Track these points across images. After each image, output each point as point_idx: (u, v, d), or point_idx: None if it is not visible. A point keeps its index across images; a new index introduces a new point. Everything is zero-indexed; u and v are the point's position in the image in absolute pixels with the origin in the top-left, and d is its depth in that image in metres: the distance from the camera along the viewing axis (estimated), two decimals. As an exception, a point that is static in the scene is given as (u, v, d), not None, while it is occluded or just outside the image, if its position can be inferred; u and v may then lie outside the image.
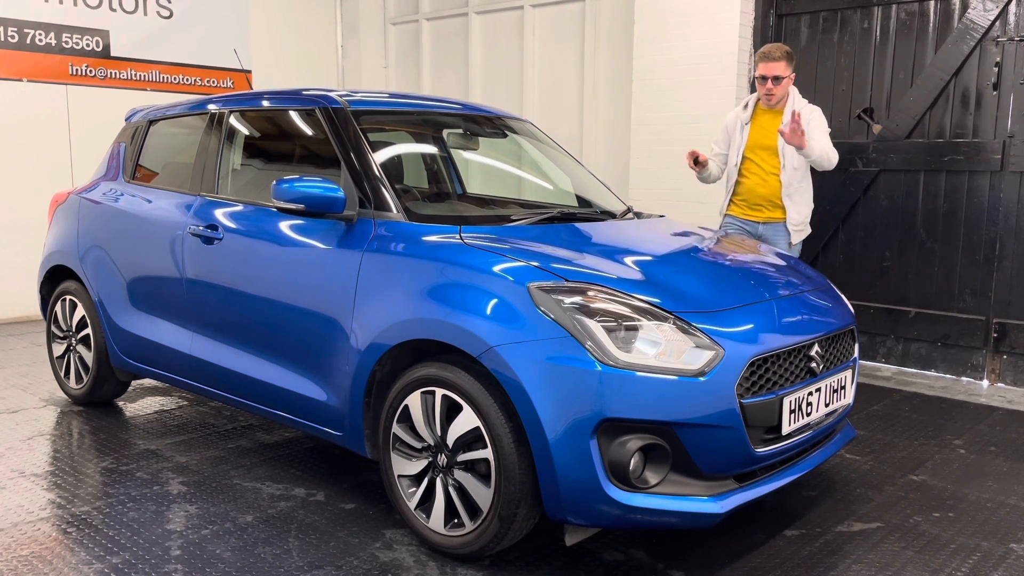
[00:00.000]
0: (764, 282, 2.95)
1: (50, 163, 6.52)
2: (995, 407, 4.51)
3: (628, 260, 2.83)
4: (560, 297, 2.44)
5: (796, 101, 4.36)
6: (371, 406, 2.90)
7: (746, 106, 4.49)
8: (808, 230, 4.46)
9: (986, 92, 4.86)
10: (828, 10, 5.39)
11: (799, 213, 4.36)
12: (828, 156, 4.24)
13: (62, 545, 2.79)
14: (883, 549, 2.82)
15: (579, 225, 3.32)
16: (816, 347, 2.77)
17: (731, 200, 4.53)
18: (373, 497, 3.18)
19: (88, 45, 6.64)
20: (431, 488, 2.70)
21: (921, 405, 4.53)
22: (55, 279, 4.43)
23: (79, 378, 4.29)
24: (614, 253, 2.92)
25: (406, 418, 2.73)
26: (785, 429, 2.59)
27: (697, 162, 4.40)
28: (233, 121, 3.69)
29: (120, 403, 4.41)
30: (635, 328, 2.41)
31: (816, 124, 4.28)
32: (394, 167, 3.53)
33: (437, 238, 2.83)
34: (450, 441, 2.61)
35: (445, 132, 4.13)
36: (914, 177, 5.16)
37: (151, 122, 4.18)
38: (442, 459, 2.66)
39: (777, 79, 4.25)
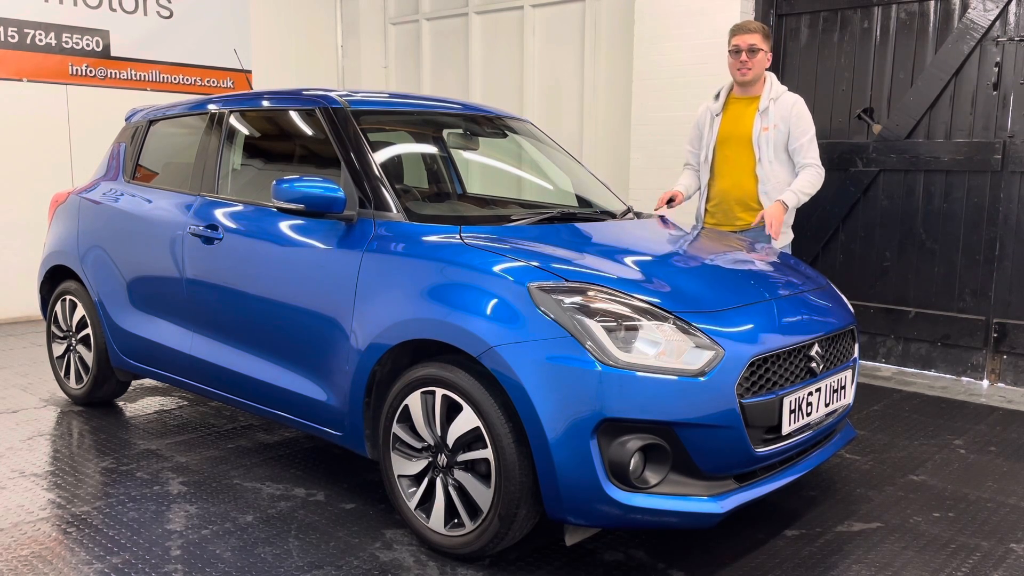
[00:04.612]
0: (764, 282, 2.95)
1: (50, 163, 6.51)
2: (995, 407, 4.51)
3: (628, 260, 2.83)
4: (560, 297, 2.44)
5: (774, 88, 4.00)
6: (371, 406, 2.90)
7: (717, 95, 4.15)
8: (791, 235, 4.11)
9: (986, 92, 4.86)
10: (828, 10, 5.39)
11: None
12: (814, 182, 3.90)
13: (62, 545, 2.79)
14: (883, 549, 2.82)
15: (579, 225, 3.32)
16: (816, 347, 2.77)
17: (706, 208, 4.18)
18: (373, 497, 3.18)
19: (88, 45, 6.64)
20: (431, 488, 2.70)
21: (921, 405, 4.53)
22: (55, 279, 4.43)
23: (79, 378, 4.29)
24: (614, 253, 2.92)
25: (406, 418, 2.73)
26: (785, 429, 2.59)
27: (671, 202, 4.11)
28: (233, 121, 3.69)
29: (120, 403, 4.41)
30: (635, 328, 2.41)
31: (800, 124, 3.92)
32: (394, 167, 3.54)
33: (437, 238, 2.83)
34: (450, 441, 2.61)
35: (445, 132, 4.13)
36: (914, 177, 5.16)
37: (151, 122, 4.18)
38: (442, 459, 2.66)
39: (753, 50, 3.89)
